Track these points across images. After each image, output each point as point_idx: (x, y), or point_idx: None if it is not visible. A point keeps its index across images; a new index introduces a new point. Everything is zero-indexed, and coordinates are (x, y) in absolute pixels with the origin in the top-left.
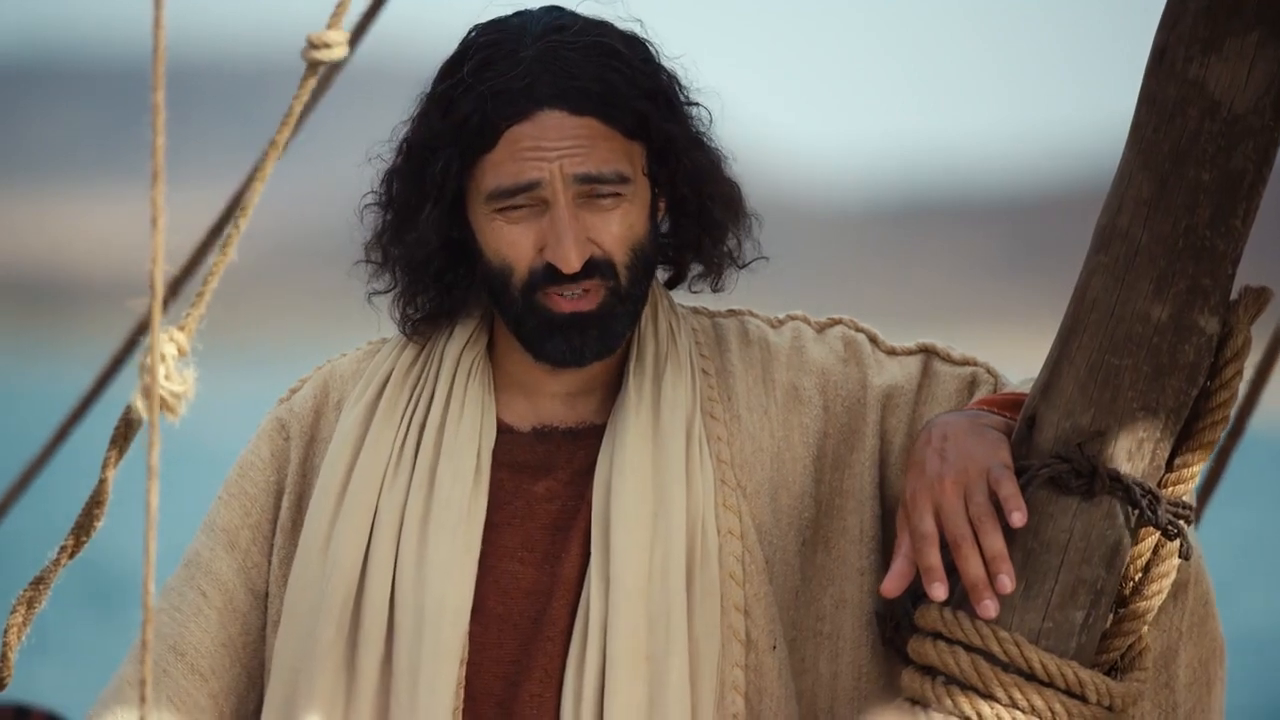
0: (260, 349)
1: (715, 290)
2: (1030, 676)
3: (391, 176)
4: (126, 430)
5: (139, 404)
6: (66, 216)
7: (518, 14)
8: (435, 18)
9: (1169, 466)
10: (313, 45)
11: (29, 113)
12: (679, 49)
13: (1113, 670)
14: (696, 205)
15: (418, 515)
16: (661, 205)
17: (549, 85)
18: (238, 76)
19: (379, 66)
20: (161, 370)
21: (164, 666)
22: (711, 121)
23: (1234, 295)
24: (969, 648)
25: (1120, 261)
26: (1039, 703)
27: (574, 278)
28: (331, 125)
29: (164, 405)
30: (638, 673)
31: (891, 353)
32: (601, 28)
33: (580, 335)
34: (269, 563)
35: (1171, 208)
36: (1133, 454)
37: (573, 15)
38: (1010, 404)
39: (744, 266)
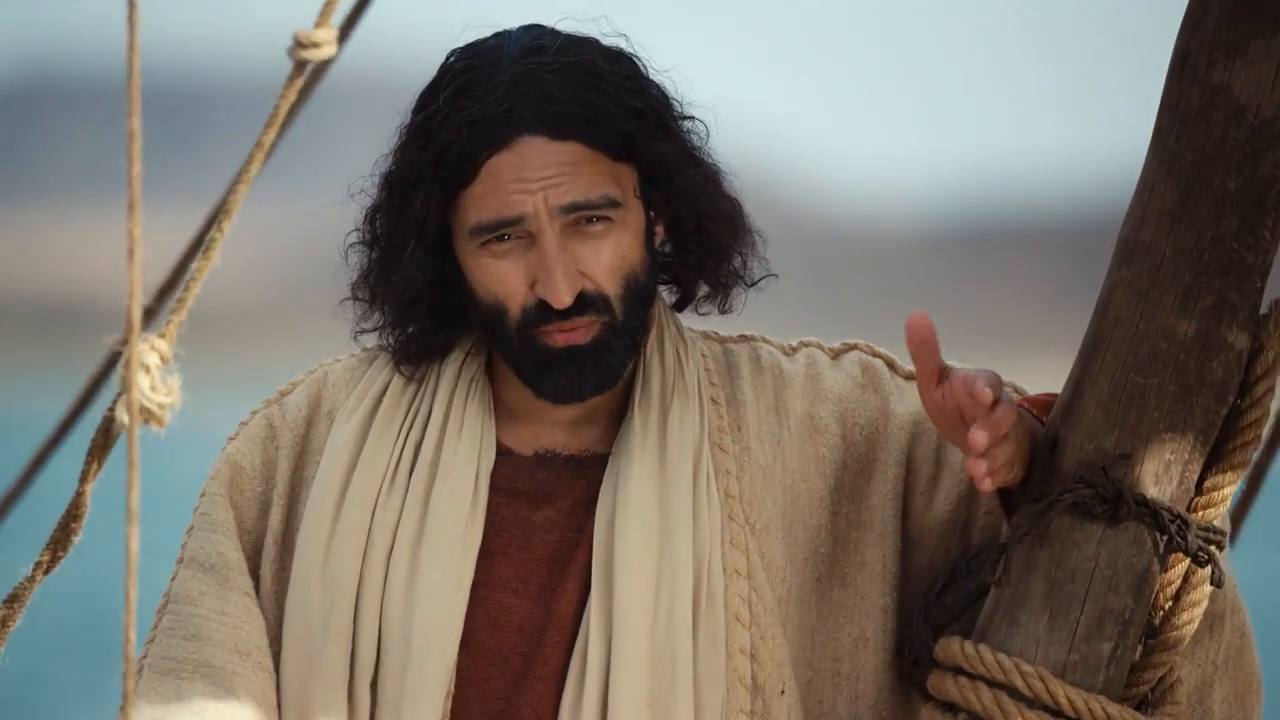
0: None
1: (723, 311)
2: (1056, 712)
3: (374, 213)
4: (105, 441)
5: (121, 413)
6: (84, 238)
7: (496, 36)
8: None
9: (1198, 489)
10: (300, 44)
11: (41, 135)
12: (718, 67)
13: (1143, 704)
14: (694, 225)
15: (410, 538)
16: (659, 229)
17: (528, 110)
18: (252, 93)
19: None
20: (146, 380)
21: (233, 669)
22: (708, 135)
23: (1264, 309)
24: (991, 683)
25: (1144, 276)
26: None
27: (566, 314)
28: (368, 150)
29: (151, 416)
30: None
31: (910, 377)
32: (583, 46)
33: (577, 369)
34: (260, 565)
35: (1196, 219)
36: (1160, 477)
37: (553, 34)
38: (1045, 405)
39: (752, 285)
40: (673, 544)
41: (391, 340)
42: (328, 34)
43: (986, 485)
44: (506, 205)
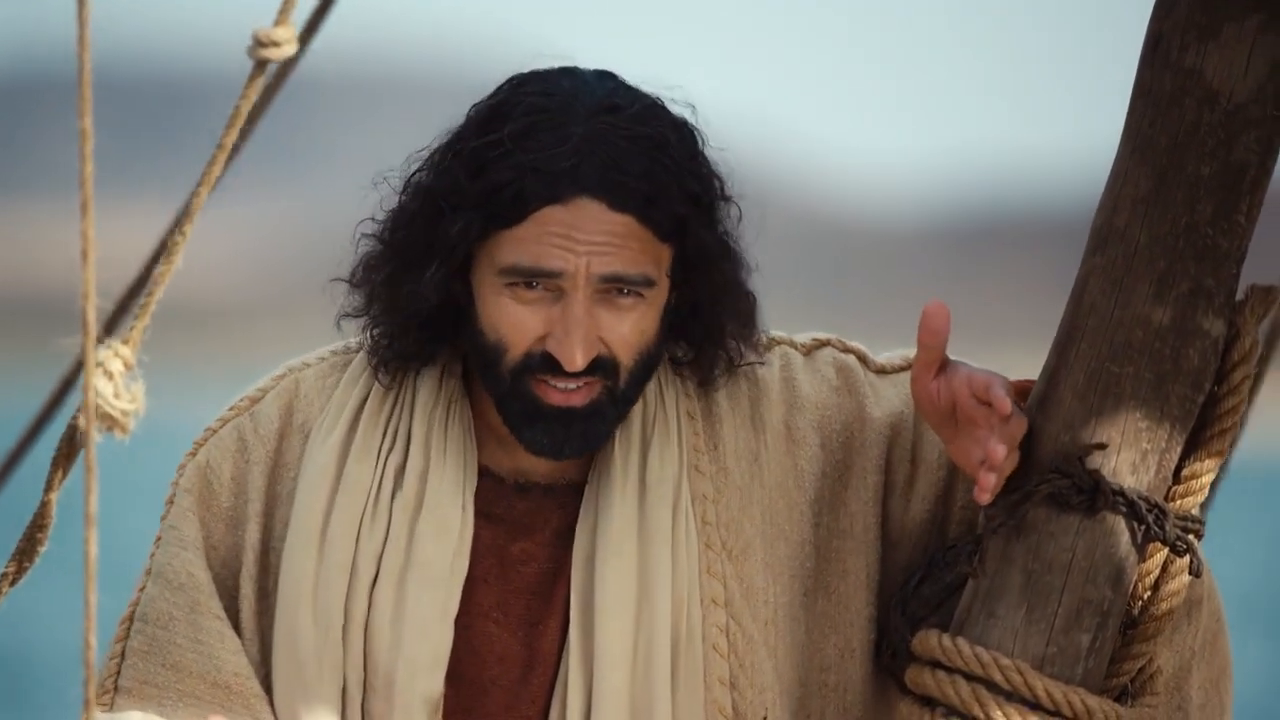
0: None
1: (701, 385)
2: (1035, 705)
3: (398, 216)
4: (70, 449)
5: (84, 422)
6: (72, 233)
7: (568, 76)
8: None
9: (1176, 478)
10: (260, 43)
11: (41, 129)
12: (719, 66)
13: (1123, 695)
14: (710, 315)
15: (395, 570)
16: (671, 296)
17: (594, 173)
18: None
19: (445, 85)
20: (109, 387)
21: (218, 704)
22: (741, 220)
23: (1240, 295)
24: (969, 676)
25: (1118, 263)
26: None
27: (573, 373)
28: (371, 148)
29: (114, 423)
30: None
31: (882, 371)
32: (655, 113)
33: (564, 429)
34: (239, 581)
35: (1170, 205)
36: (1137, 466)
37: (627, 92)
38: (1026, 391)
39: (738, 366)
40: (652, 590)
41: (377, 339)
42: (287, 32)
43: (986, 498)
44: (547, 256)
